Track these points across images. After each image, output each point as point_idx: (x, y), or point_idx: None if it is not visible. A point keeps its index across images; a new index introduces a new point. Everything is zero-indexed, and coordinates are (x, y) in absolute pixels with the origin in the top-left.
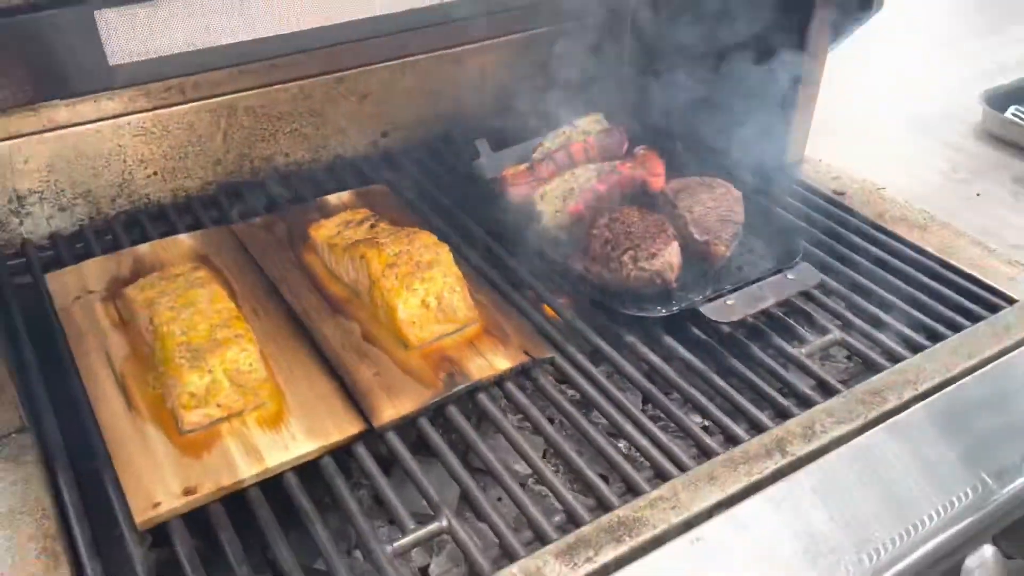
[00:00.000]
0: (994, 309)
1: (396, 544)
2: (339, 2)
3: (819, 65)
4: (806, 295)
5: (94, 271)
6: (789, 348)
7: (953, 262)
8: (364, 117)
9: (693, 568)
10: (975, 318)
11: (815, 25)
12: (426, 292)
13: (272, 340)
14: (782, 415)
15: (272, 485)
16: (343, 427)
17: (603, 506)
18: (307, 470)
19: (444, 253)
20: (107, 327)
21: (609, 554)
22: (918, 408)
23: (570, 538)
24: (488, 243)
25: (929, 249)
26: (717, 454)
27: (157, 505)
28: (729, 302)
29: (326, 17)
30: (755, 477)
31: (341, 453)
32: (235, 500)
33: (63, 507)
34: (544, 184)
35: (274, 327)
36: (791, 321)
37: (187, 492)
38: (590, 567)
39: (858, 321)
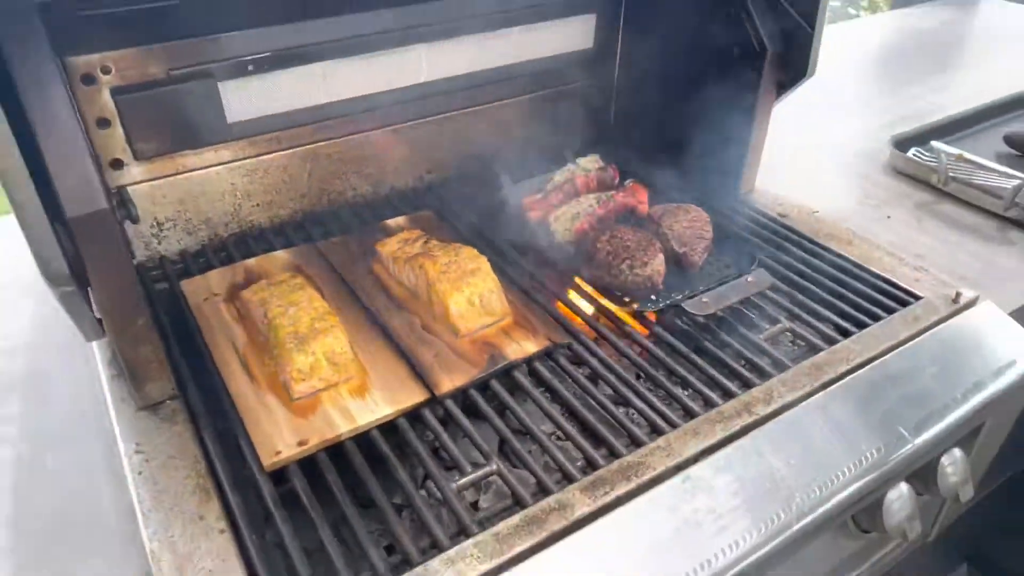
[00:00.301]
0: (904, 304)
1: (459, 482)
2: (395, 73)
3: (766, 118)
4: (761, 294)
5: (216, 279)
6: (750, 334)
7: (872, 268)
8: (413, 159)
9: (684, 500)
10: (891, 311)
11: (763, 88)
12: (471, 293)
13: (354, 330)
14: (747, 385)
15: (362, 439)
16: (412, 395)
17: (613, 454)
18: (387, 428)
19: (484, 263)
20: (230, 321)
21: (621, 489)
22: (850, 379)
23: (591, 477)
24: (515, 256)
25: (853, 258)
26: (699, 415)
27: (278, 453)
28: (704, 299)
29: (386, 83)
30: (729, 431)
31: (411, 415)
32: (335, 450)
33: (208, 454)
34: (556, 209)
35: (355, 320)
36: (750, 314)
37: (300, 443)
38: (607, 499)
39: (802, 313)
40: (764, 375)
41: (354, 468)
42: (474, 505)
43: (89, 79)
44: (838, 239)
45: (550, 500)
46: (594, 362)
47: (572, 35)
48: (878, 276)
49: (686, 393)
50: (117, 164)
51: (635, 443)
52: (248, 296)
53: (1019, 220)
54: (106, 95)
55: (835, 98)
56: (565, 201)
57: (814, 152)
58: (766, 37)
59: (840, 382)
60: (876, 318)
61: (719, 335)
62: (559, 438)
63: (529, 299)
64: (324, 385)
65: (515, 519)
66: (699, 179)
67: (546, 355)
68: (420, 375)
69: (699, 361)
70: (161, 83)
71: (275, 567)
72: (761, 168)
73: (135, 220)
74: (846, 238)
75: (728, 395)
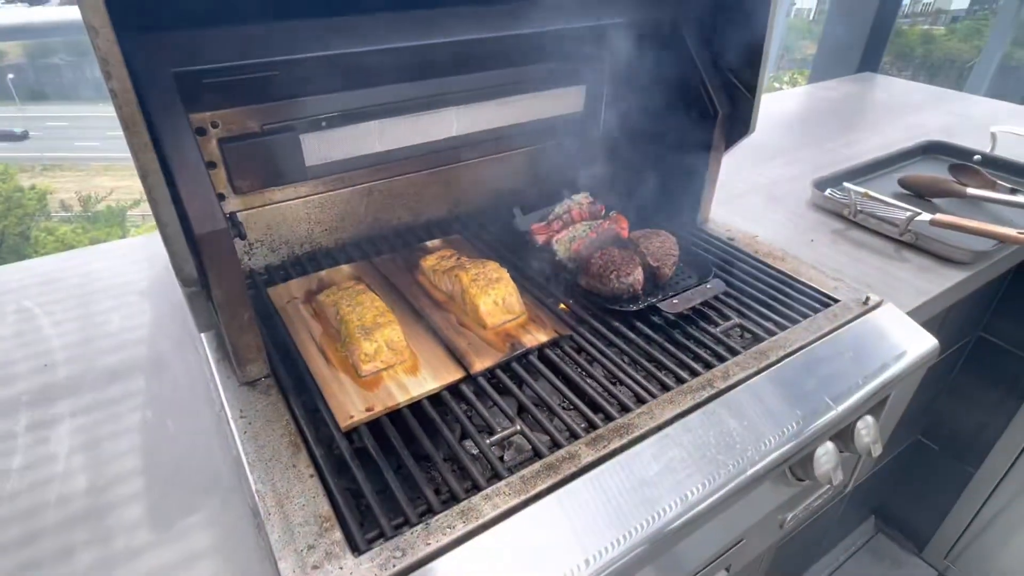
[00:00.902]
0: (826, 305)
1: (490, 439)
2: (432, 129)
3: (718, 165)
4: (717, 298)
5: (295, 286)
6: (709, 328)
7: (801, 278)
8: (445, 194)
9: (663, 452)
10: (816, 310)
11: (715, 141)
12: (496, 296)
13: (406, 324)
14: (708, 366)
15: (415, 407)
16: (453, 374)
17: (608, 418)
18: (434, 398)
19: (504, 273)
20: (308, 318)
21: (615, 443)
22: (786, 362)
23: (592, 435)
24: (527, 269)
25: (786, 271)
26: (673, 388)
27: (351, 417)
28: (674, 301)
29: (425, 137)
30: (696, 401)
31: (452, 389)
32: (395, 415)
33: (296, 419)
34: (557, 234)
35: (406, 317)
36: (709, 312)
37: (368, 409)
38: (605, 451)
39: (748, 312)
40: (721, 359)
41: (410, 429)
42: (500, 459)
43: (201, 131)
44: (774, 256)
45: (562, 452)
46: (591, 349)
47: (567, 101)
48: (805, 284)
49: (662, 372)
50: (220, 197)
51: (624, 409)
52: (323, 299)
53: (910, 243)
54: (214, 144)
55: (769, 150)
56: (564, 228)
57: (754, 191)
58: (718, 103)
59: (779, 364)
60: (805, 316)
61: (686, 329)
62: (566, 407)
63: (539, 301)
64: (385, 365)
65: (536, 465)
66: (667, 211)
67: (554, 344)
68: (458, 358)
69: (671, 348)
70: (256, 135)
71: (351, 503)
72: (714, 203)
73: (243, 237)
74: (780, 256)
75: (694, 373)
